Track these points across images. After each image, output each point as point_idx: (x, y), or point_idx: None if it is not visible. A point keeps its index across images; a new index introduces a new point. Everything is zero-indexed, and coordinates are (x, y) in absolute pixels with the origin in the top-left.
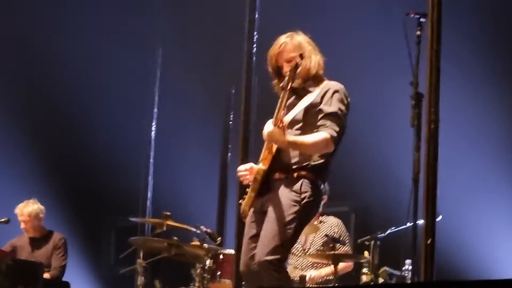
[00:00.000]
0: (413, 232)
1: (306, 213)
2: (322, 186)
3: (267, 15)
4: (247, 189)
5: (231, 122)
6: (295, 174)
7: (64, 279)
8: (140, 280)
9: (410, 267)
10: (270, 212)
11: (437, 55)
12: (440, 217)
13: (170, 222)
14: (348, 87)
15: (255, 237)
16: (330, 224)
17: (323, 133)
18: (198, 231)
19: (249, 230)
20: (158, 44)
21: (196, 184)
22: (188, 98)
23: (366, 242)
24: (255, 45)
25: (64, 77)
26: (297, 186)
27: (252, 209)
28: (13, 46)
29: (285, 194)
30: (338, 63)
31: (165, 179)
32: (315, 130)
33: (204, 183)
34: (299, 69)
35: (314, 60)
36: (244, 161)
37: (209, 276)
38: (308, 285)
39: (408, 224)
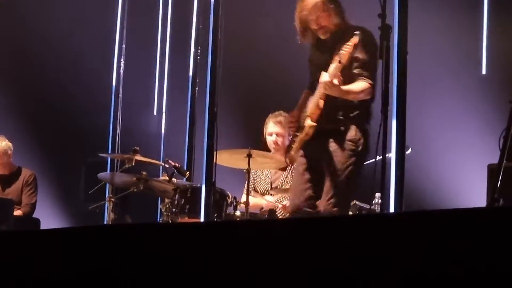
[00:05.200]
0: (382, 165)
1: (362, 160)
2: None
3: None
4: (294, 139)
5: (198, 57)
6: (346, 125)
7: (33, 215)
8: (110, 215)
9: (380, 201)
10: (329, 164)
11: None
12: (409, 150)
13: (138, 157)
14: None
15: (308, 182)
16: None
17: (365, 83)
18: (167, 166)
19: (302, 175)
20: None
21: (165, 119)
22: (156, 33)
23: None
24: None
25: (28, 14)
26: (351, 136)
27: (302, 155)
28: None
29: (340, 145)
30: None
31: (134, 115)
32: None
33: (173, 118)
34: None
35: (340, 14)
36: (213, 94)
37: (177, 210)
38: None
39: (378, 158)
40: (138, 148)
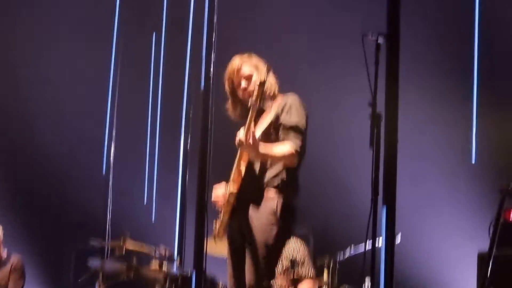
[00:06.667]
0: (371, 252)
1: (285, 232)
2: (294, 200)
3: None
4: (220, 213)
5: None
6: (268, 194)
7: None
8: None
9: (370, 284)
10: (251, 236)
11: (395, 75)
12: (399, 235)
13: (129, 245)
14: (308, 106)
15: (236, 264)
16: (291, 249)
17: (288, 147)
18: (157, 253)
19: (233, 251)
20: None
21: (156, 203)
22: (146, 117)
23: (325, 262)
24: (214, 51)
25: (21, 88)
26: (272, 206)
27: (228, 230)
28: None
29: (262, 216)
30: (297, 81)
31: (124, 199)
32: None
33: (164, 203)
34: (265, 87)
35: (271, 80)
36: (204, 182)
37: None
38: None
39: (368, 242)
40: (127, 234)
